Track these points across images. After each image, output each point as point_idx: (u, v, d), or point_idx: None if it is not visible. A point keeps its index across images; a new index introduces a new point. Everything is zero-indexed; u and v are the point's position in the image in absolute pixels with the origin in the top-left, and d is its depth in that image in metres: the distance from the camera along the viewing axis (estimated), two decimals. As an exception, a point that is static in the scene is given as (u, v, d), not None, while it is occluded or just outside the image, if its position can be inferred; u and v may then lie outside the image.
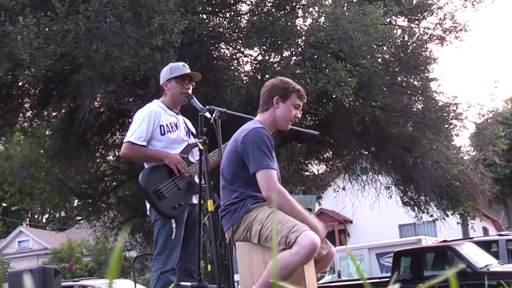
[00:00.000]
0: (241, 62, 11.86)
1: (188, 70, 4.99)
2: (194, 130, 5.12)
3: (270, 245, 3.55)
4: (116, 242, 18.09)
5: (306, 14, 10.68)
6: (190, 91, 4.96)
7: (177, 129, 4.87)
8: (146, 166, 4.78)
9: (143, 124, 4.70)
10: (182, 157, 4.75)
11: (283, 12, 10.70)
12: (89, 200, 15.31)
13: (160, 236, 4.60)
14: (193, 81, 5.07)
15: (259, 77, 10.87)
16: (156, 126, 4.75)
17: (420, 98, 12.47)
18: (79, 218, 17.56)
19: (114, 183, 15.98)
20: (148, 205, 4.70)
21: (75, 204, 17.54)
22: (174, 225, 4.57)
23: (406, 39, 11.73)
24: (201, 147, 4.07)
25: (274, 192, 3.62)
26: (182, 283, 4.29)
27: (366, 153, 14.81)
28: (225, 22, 11.18)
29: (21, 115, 12.09)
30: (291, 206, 3.66)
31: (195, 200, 4.86)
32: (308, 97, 10.17)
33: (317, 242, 3.40)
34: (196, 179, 4.90)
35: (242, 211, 3.73)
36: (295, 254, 3.38)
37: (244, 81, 11.50)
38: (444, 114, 12.23)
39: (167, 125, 4.80)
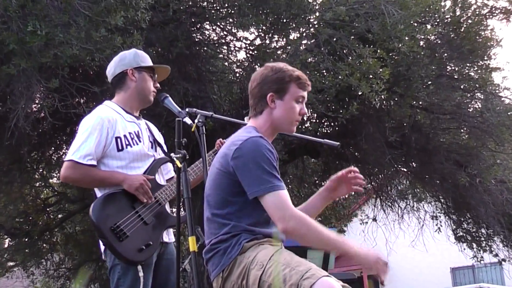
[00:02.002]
0: (232, 48, 11.86)
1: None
2: (161, 140, 5.10)
3: (275, 298, 3.53)
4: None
5: (321, -18, 10.73)
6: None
7: (139, 141, 4.82)
8: (98, 193, 4.72)
9: (92, 138, 4.61)
10: (146, 179, 4.71)
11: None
12: (26, 239, 15.24)
13: (121, 287, 4.54)
14: (158, 79, 5.07)
15: (258, 69, 10.87)
16: (111, 139, 4.68)
17: (478, 95, 12.46)
18: (11, 264, 17.49)
19: (59, 216, 15.94)
20: (102, 246, 4.65)
21: (6, 245, 17.50)
22: (141, 274, 4.52)
23: (458, 13, 11.74)
24: (179, 165, 4.05)
25: (293, 221, 3.59)
26: None
27: (405, 170, 14.79)
28: (210, -6, 11.23)
29: None
30: (319, 237, 3.59)
31: (167, 237, 4.83)
32: (324, 95, 10.20)
33: (340, 292, 3.37)
34: (168, 208, 4.87)
35: (235, 251, 3.69)
36: (310, 309, 3.35)
37: (237, 74, 11.51)
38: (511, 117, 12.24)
39: (125, 136, 4.74)
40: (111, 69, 4.95)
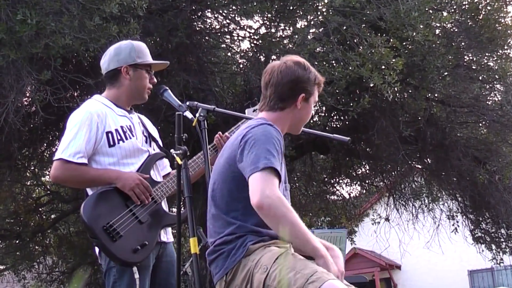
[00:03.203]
0: (235, 38, 11.86)
1: (150, 56, 4.96)
2: (156, 134, 5.08)
3: (280, 303, 3.51)
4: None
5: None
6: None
7: (132, 135, 4.79)
8: (90, 192, 4.70)
9: (81, 134, 4.59)
10: (141, 177, 4.70)
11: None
12: (17, 241, 15.28)
13: (117, 291, 4.56)
14: (154, 70, 5.03)
15: (262, 59, 10.87)
16: (101, 134, 4.66)
17: (497, 86, 12.44)
18: (1, 267, 17.53)
19: (52, 216, 15.97)
20: (97, 249, 4.64)
21: (-4, 247, 17.54)
22: (136, 276, 4.49)
23: (476, 0, 11.73)
24: (180, 162, 4.04)
25: (271, 199, 3.55)
26: None
27: (420, 167, 14.79)
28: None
29: None
30: (294, 224, 3.58)
31: (164, 236, 4.82)
32: (334, 87, 10.20)
33: (348, 296, 3.37)
34: (165, 206, 4.86)
35: (239, 253, 3.68)
36: (317, 314, 3.35)
37: (241, 65, 11.51)
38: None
39: (117, 131, 4.72)
40: (105, 63, 4.90)
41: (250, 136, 3.70)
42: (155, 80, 4.94)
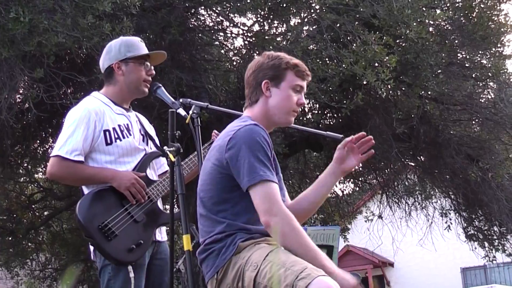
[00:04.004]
0: (229, 35, 11.85)
1: (146, 49, 4.96)
2: (153, 132, 5.09)
3: (271, 299, 3.52)
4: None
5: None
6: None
7: (129, 134, 4.80)
8: (86, 190, 4.70)
9: (79, 131, 4.59)
10: (137, 176, 4.69)
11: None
12: (9, 238, 15.25)
13: (112, 290, 4.56)
14: (153, 64, 5.01)
15: (256, 57, 10.85)
16: (99, 132, 4.66)
17: (491, 84, 12.45)
18: (-6, 264, 17.52)
19: (45, 213, 15.94)
20: (91, 247, 4.65)
21: (-11, 244, 17.51)
22: (131, 274, 4.50)
23: (469, -4, 11.74)
24: (173, 159, 4.04)
25: (278, 217, 3.60)
26: None
27: (413, 164, 14.79)
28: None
29: None
30: (300, 241, 3.61)
31: (159, 235, 4.82)
32: (327, 85, 10.19)
33: (337, 291, 3.38)
34: (160, 205, 4.86)
35: (230, 251, 3.68)
36: (307, 311, 3.35)
37: (234, 63, 11.50)
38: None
39: (114, 129, 4.72)
40: (101, 63, 4.94)
41: (236, 140, 3.70)
42: (153, 71, 4.93)
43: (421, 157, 14.15)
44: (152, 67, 4.93)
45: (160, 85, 4.77)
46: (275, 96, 3.91)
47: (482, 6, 11.62)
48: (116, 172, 4.65)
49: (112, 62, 4.83)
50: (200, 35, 11.28)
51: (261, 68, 3.93)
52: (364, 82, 10.19)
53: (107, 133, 4.68)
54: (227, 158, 3.69)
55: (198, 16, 11.57)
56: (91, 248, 4.64)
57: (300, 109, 4.19)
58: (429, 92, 12.10)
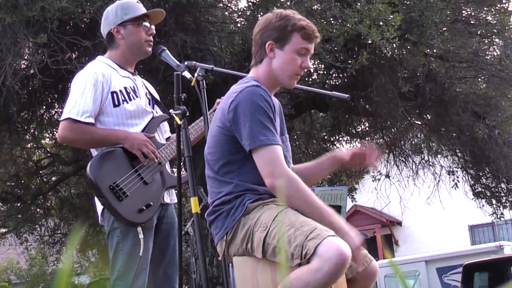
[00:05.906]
0: (233, -4, 11.80)
1: (143, 9, 4.95)
2: (158, 97, 5.10)
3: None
4: (59, 263, 18.17)
5: None
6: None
7: (136, 96, 4.82)
8: (94, 152, 4.72)
9: (88, 93, 4.60)
10: (148, 137, 4.71)
11: None
12: (18, 204, 15.31)
13: (120, 252, 4.57)
14: (153, 23, 5.01)
15: (260, 18, 10.81)
16: (106, 94, 4.68)
17: (496, 41, 12.40)
18: (3, 230, 17.60)
19: (53, 178, 15.98)
20: (99, 209, 4.68)
21: (-2, 211, 17.59)
22: (141, 236, 4.53)
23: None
24: (179, 122, 4.05)
25: (282, 178, 3.62)
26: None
27: (419, 123, 14.77)
28: None
29: None
30: (306, 200, 3.64)
31: (168, 198, 4.86)
32: (332, 45, 10.16)
33: (346, 252, 3.38)
34: (168, 167, 4.88)
35: (238, 212, 3.72)
36: (316, 271, 3.37)
37: (239, 24, 11.45)
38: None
39: (121, 91, 4.74)
40: (102, 30, 4.97)
41: (237, 103, 3.73)
42: (154, 31, 4.93)
43: (428, 115, 14.11)
44: (153, 27, 4.94)
45: (165, 48, 4.78)
46: (278, 58, 3.90)
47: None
48: (128, 133, 4.67)
49: (111, 27, 4.86)
50: (203, -4, 11.23)
51: (267, 28, 3.92)
52: (369, 41, 10.15)
53: (115, 94, 4.70)
54: (230, 120, 3.71)
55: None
56: (99, 211, 4.67)
57: (306, 70, 4.17)
58: (435, 50, 12.06)
